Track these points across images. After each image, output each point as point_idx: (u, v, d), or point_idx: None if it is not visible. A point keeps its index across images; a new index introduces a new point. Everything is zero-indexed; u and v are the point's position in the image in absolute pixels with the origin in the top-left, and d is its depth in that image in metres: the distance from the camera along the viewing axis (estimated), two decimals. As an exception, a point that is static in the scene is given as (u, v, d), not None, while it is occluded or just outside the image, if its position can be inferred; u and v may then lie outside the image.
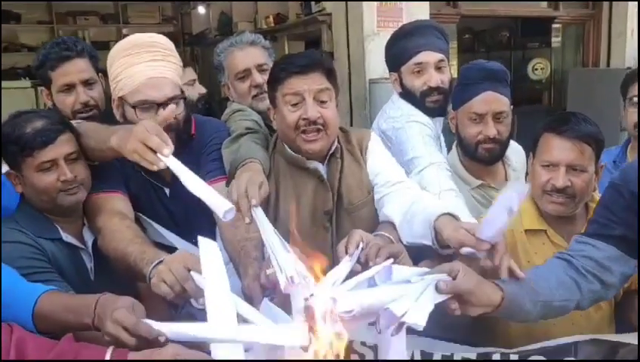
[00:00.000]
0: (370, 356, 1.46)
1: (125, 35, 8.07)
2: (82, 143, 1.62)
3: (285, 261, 1.13)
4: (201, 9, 7.64)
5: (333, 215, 1.67)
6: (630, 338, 1.45)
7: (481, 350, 1.50)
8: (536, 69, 6.90)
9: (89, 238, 1.67)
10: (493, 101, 1.82)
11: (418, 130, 1.90)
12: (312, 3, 4.58)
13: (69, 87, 1.96)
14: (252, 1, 6.07)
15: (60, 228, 1.60)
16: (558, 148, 1.56)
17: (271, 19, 5.58)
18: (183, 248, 1.68)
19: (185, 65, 2.08)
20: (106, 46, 8.36)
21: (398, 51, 2.06)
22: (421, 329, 1.14)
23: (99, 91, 2.01)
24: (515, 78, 7.45)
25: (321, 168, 1.69)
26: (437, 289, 1.20)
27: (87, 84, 1.98)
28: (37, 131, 1.53)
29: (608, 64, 5.26)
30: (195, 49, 8.36)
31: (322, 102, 1.60)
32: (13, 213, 1.61)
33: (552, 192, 1.57)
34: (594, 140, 1.56)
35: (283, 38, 5.84)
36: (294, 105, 1.59)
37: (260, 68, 2.03)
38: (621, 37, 5.18)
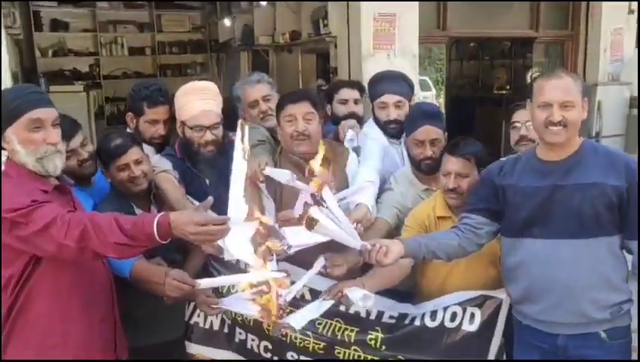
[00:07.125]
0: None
1: (159, 41, 8.99)
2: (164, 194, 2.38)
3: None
4: (227, 21, 8.40)
5: None
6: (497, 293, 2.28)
7: (402, 309, 2.33)
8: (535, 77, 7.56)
9: (155, 211, 2.43)
10: (430, 132, 2.52)
11: (372, 144, 2.69)
12: (321, 25, 5.37)
13: (155, 122, 2.63)
14: (272, 18, 6.87)
15: (134, 206, 2.40)
16: (449, 162, 2.34)
17: (287, 35, 6.36)
18: None
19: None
20: (141, 51, 9.33)
21: (371, 92, 2.93)
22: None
23: (169, 125, 2.67)
24: (516, 85, 8.19)
25: None
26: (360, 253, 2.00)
27: (165, 122, 2.66)
28: (116, 146, 2.31)
29: (584, 79, 5.94)
30: (221, 55, 9.23)
31: (308, 120, 2.36)
32: (108, 194, 2.43)
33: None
34: (474, 156, 2.32)
35: (297, 51, 6.64)
36: (290, 122, 2.37)
37: (265, 98, 2.84)
38: (595, 55, 5.88)
